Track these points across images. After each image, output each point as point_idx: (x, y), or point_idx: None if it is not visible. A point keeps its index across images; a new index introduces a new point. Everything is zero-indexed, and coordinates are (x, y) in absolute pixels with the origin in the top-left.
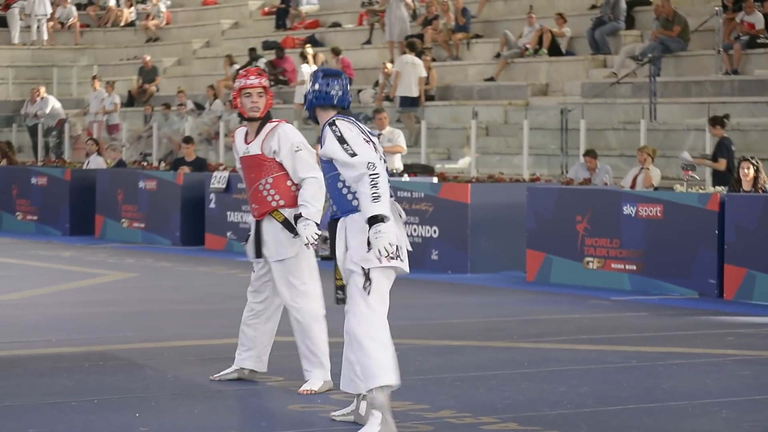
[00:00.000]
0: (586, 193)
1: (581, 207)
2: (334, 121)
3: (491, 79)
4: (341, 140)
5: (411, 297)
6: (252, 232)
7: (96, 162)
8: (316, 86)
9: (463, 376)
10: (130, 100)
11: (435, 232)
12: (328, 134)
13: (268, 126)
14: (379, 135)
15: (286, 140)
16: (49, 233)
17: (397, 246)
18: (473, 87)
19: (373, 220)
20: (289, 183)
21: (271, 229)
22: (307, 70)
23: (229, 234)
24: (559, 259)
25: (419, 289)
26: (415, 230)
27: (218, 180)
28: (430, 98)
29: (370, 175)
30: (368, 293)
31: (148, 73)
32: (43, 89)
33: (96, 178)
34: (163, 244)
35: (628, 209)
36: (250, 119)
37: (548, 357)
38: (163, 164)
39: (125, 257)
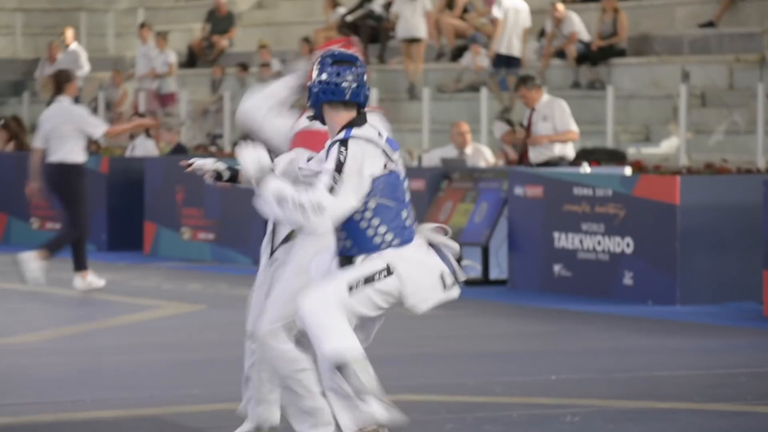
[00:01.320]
0: None
1: None
2: (347, 140)
3: (710, 24)
4: (338, 167)
5: (594, 338)
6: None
7: (144, 147)
8: (323, 76)
9: None
10: (192, 59)
11: (628, 246)
12: (333, 154)
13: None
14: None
15: None
16: None
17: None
18: (683, 37)
19: (259, 172)
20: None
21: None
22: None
23: None
24: None
25: (606, 328)
26: (598, 243)
27: None
28: (619, 53)
29: (306, 204)
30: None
31: (220, 21)
32: (70, 34)
33: (144, 170)
34: (241, 263)
35: None
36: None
37: None
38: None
39: (187, 282)
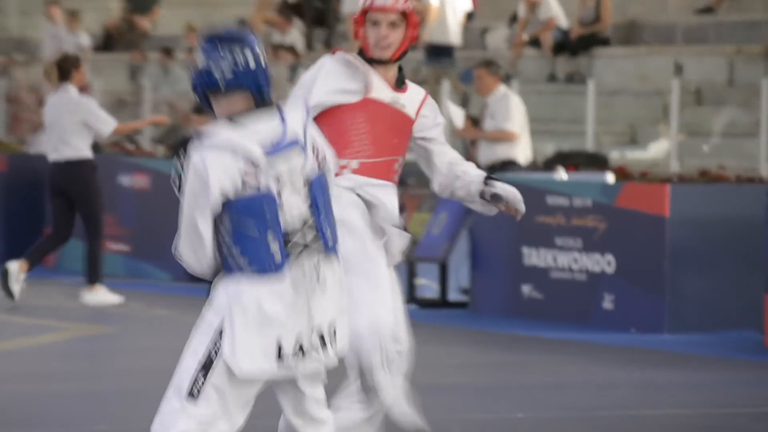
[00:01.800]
0: None
1: None
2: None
3: (708, 10)
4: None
5: (569, 371)
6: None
7: None
8: (199, 60)
9: None
10: (108, 42)
11: (609, 264)
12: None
13: (418, 89)
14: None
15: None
16: None
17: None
18: (676, 24)
19: None
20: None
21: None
22: None
23: None
24: None
25: (582, 358)
26: (575, 261)
27: None
28: (602, 42)
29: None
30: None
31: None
32: None
33: (48, 170)
34: (159, 278)
35: None
36: (375, 61)
37: None
38: (161, 148)
39: None
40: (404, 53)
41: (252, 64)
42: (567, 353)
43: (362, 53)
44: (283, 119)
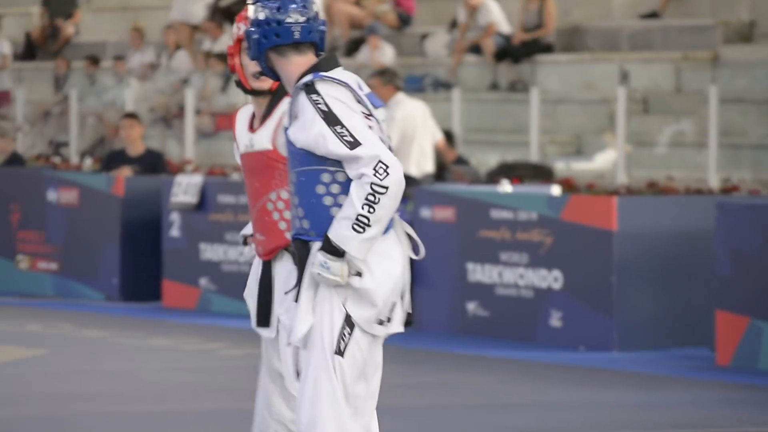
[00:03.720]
0: None
1: None
2: (312, 82)
3: (653, 15)
4: (330, 118)
5: (515, 391)
6: (254, 279)
7: None
8: (262, 15)
9: None
10: (30, 50)
11: (556, 280)
12: (306, 106)
13: (285, 103)
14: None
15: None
16: None
17: (393, 303)
18: (621, 29)
19: (329, 248)
20: None
21: (288, 275)
22: None
23: (204, 282)
24: None
25: (529, 378)
26: (521, 276)
27: (185, 189)
28: (545, 49)
29: (374, 185)
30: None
31: (60, 3)
32: None
33: None
34: (90, 298)
35: None
36: (255, 93)
37: None
38: (89, 161)
39: (25, 321)
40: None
41: (318, 17)
42: (513, 372)
43: (240, 85)
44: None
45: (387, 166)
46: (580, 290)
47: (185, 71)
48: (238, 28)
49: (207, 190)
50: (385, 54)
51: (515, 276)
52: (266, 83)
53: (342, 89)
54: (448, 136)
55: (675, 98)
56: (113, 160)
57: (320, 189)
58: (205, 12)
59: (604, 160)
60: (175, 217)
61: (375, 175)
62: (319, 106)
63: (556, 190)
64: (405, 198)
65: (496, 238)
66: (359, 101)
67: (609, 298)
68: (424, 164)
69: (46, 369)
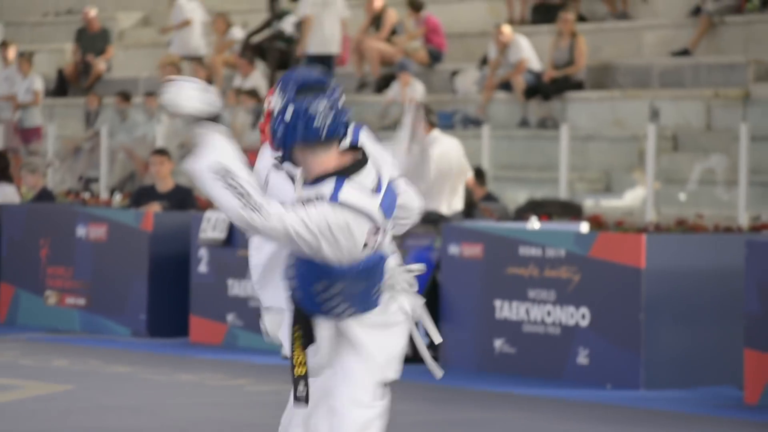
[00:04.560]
0: None
1: None
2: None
3: (684, 52)
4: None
5: (543, 428)
6: (288, 321)
7: (2, 192)
8: (288, 114)
9: None
10: (62, 86)
11: (583, 317)
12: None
13: None
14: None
15: None
16: None
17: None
18: (652, 66)
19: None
20: None
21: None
22: None
23: (231, 318)
24: None
25: (556, 415)
26: (548, 314)
27: (213, 225)
28: (576, 86)
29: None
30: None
31: (92, 40)
32: None
33: (0, 219)
34: (117, 333)
35: None
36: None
37: None
38: (118, 197)
39: (52, 357)
40: None
41: (344, 109)
42: (540, 410)
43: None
44: (374, 161)
45: (270, 221)
46: (608, 328)
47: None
48: (269, 102)
49: (235, 226)
50: (415, 90)
51: (542, 313)
52: None
53: (355, 218)
54: (478, 172)
55: (705, 136)
56: (142, 195)
57: (318, 286)
58: (206, 47)
59: (634, 198)
60: (203, 252)
61: (260, 207)
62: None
63: (584, 227)
64: (433, 234)
65: (524, 275)
66: (371, 221)
67: (637, 335)
68: (454, 202)
69: (72, 404)
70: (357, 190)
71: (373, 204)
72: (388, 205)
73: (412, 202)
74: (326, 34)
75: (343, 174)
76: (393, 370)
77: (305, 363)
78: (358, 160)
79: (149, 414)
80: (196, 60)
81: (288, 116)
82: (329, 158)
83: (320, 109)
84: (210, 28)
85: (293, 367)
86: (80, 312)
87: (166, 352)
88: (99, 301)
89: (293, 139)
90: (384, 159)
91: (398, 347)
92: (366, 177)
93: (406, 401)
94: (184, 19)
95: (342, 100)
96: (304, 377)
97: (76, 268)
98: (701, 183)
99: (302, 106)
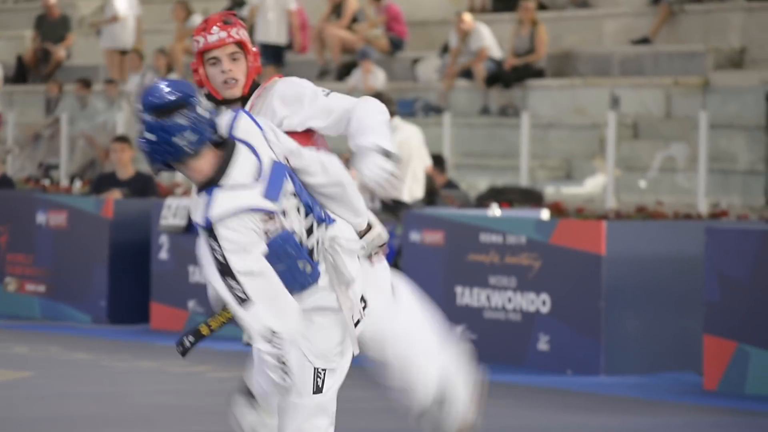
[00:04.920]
0: None
1: None
2: (212, 225)
3: (644, 40)
4: (222, 269)
5: (503, 414)
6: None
7: None
8: (151, 136)
9: None
10: (22, 73)
11: (544, 304)
12: (206, 252)
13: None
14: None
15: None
16: None
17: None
18: (612, 54)
19: None
20: None
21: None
22: None
23: (191, 304)
24: (760, 353)
25: (517, 402)
26: (509, 300)
27: (174, 212)
28: (536, 74)
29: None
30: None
31: (51, 27)
32: None
33: None
34: (78, 320)
35: None
36: (227, 102)
37: None
38: (78, 184)
39: (12, 344)
40: (254, 86)
41: (205, 115)
42: (501, 396)
43: (212, 98)
44: (252, 149)
45: (282, 341)
46: (569, 314)
47: None
48: (197, 42)
49: None
50: (376, 78)
51: (503, 300)
52: (237, 90)
53: (239, 221)
54: (439, 160)
55: (665, 123)
56: (103, 182)
57: None
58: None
59: (594, 185)
60: (164, 239)
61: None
62: (215, 254)
63: (545, 214)
64: (394, 221)
65: (485, 261)
66: (258, 211)
67: (597, 322)
68: (415, 190)
69: (32, 391)
70: (229, 193)
71: (251, 196)
72: (276, 186)
73: (316, 165)
74: (270, 24)
75: (212, 182)
76: (326, 360)
77: (213, 330)
78: (225, 160)
79: (110, 401)
80: (161, 50)
81: (152, 139)
82: (204, 163)
83: (179, 128)
84: (169, 16)
85: (204, 324)
86: (40, 299)
87: (127, 338)
88: (59, 288)
89: (162, 158)
90: (268, 139)
91: (329, 340)
92: (241, 170)
93: (366, 388)
94: (113, 14)
95: (202, 105)
96: (199, 337)
97: (36, 255)
98: (661, 170)
99: (162, 129)
